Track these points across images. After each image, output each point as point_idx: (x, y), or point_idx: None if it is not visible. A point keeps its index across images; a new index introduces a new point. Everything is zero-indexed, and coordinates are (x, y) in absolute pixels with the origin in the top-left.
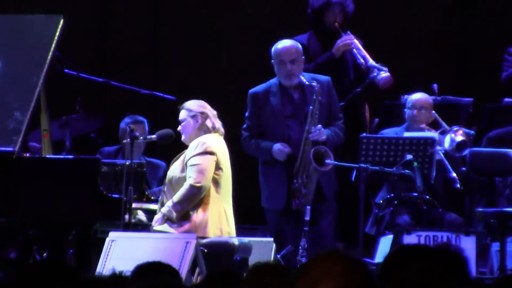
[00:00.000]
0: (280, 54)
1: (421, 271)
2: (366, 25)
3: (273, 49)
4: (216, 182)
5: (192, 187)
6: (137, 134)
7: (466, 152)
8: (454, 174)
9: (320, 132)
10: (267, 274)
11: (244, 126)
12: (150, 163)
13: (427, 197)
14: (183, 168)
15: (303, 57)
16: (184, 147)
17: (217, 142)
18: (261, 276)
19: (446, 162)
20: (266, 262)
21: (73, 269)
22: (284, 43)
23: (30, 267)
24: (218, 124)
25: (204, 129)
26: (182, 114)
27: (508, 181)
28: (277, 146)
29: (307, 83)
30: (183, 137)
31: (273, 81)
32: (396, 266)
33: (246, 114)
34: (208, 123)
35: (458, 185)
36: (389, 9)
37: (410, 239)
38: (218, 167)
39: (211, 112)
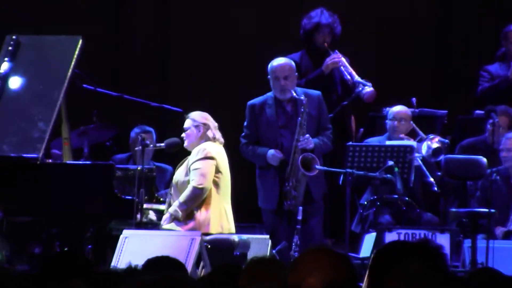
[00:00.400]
0: (275, 71)
1: (416, 266)
2: (352, 44)
3: (269, 66)
4: (216, 184)
5: (195, 188)
6: (147, 142)
7: (441, 158)
8: (431, 179)
9: (308, 141)
10: (263, 267)
11: (242, 134)
12: (158, 168)
13: (406, 198)
14: (187, 172)
15: (296, 73)
16: (187, 153)
17: (216, 149)
18: (258, 269)
19: (424, 168)
20: (262, 257)
21: (88, 260)
22: (278, 61)
23: (49, 259)
24: (218, 135)
25: (205, 138)
26: (187, 123)
27: (478, 184)
28: (271, 152)
29: (297, 97)
30: (185, 143)
31: (269, 94)
32: (387, 262)
33: (245, 123)
34: (210, 133)
35: (435, 189)
36: (373, 30)
37: (391, 236)
38: (218, 171)
39: (212, 124)
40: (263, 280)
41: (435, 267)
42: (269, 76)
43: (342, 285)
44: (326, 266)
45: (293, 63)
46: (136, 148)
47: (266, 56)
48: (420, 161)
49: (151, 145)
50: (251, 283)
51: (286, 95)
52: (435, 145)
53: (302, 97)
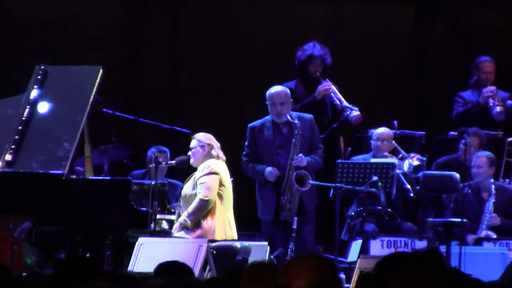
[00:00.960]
0: (272, 97)
1: (417, 272)
2: (341, 73)
3: (267, 93)
4: (220, 196)
5: (201, 200)
6: (160, 160)
7: (420, 174)
8: (408, 186)
9: (301, 159)
10: (262, 271)
11: (244, 153)
12: (170, 184)
13: (389, 210)
14: (194, 186)
15: (291, 99)
16: (194, 169)
17: (220, 166)
18: (258, 272)
19: (402, 177)
20: (261, 261)
21: (96, 265)
22: (275, 88)
23: (62, 262)
24: (221, 153)
25: (209, 156)
26: (193, 143)
27: (452, 197)
28: (269, 169)
29: (292, 120)
30: (191, 161)
31: (267, 118)
32: (390, 269)
33: (246, 143)
34: (213, 152)
35: (411, 194)
36: (359, 61)
37: (375, 243)
38: (221, 185)
39: (216, 143)
40: (261, 282)
41: (436, 271)
42: (267, 102)
43: (327, 286)
44: (312, 269)
45: (288, 91)
46: (150, 165)
47: (265, 84)
48: (401, 175)
49: (164, 163)
50: (251, 285)
51: (282, 119)
52: (415, 162)
53: (296, 121)
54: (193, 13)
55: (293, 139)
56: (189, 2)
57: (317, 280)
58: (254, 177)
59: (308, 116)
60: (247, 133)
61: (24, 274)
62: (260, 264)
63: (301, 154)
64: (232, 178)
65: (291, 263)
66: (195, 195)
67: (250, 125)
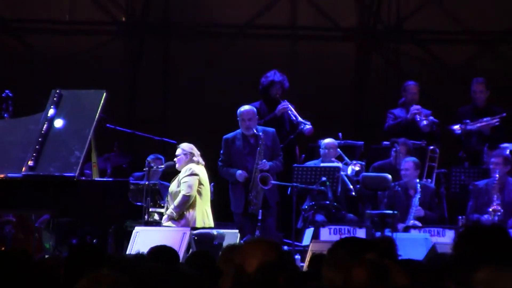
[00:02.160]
0: (241, 114)
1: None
2: (297, 95)
3: (238, 111)
4: (199, 193)
5: (184, 196)
6: (153, 165)
7: (360, 176)
8: (350, 186)
9: (265, 164)
10: (233, 253)
11: (219, 159)
12: (163, 185)
13: (335, 204)
14: (178, 185)
15: (257, 116)
16: (178, 172)
17: (199, 169)
18: (230, 253)
19: (345, 178)
20: (233, 244)
21: (101, 249)
22: (245, 107)
23: (74, 247)
24: (201, 160)
25: (191, 162)
26: (178, 151)
27: (385, 194)
28: (239, 172)
29: (257, 133)
30: (177, 166)
31: (238, 131)
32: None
33: (221, 151)
34: (194, 158)
35: (353, 193)
36: (311, 86)
37: (324, 230)
38: (200, 184)
39: (196, 152)
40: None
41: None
42: (238, 118)
43: (274, 264)
44: (262, 250)
45: (254, 109)
46: (145, 169)
47: (236, 104)
48: (344, 176)
49: (155, 167)
50: (225, 263)
51: (249, 132)
52: (357, 168)
53: (261, 133)
54: (181, 47)
55: (258, 148)
56: (178, 38)
57: (265, 260)
58: (228, 178)
59: (271, 129)
60: (222, 143)
61: (46, 256)
62: (232, 247)
63: (264, 160)
64: (212, 183)
65: (246, 246)
66: (179, 192)
67: (224, 136)
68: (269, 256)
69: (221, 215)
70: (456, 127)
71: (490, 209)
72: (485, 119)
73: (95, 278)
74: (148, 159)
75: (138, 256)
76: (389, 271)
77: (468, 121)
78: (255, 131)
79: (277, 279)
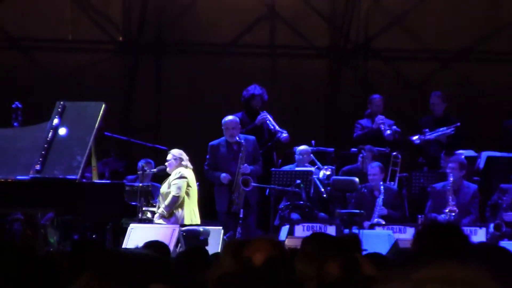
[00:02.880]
0: (225, 124)
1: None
2: (274, 106)
3: (222, 121)
4: (187, 194)
5: (174, 196)
6: (146, 169)
7: (331, 179)
8: (322, 189)
9: (246, 168)
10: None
11: (206, 163)
12: (154, 186)
13: (308, 204)
14: (169, 187)
15: (239, 125)
16: (169, 175)
17: (187, 172)
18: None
19: (317, 181)
20: (238, 239)
21: (100, 243)
22: (228, 118)
23: (76, 242)
24: (189, 164)
25: (180, 166)
26: (169, 156)
27: (353, 195)
28: (223, 175)
29: (240, 140)
30: (167, 169)
31: (223, 138)
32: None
33: (207, 156)
34: (183, 163)
35: (325, 195)
36: (287, 98)
37: (298, 227)
38: (188, 185)
39: (185, 157)
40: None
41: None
42: (222, 127)
43: (278, 258)
44: (268, 246)
45: (237, 119)
46: (139, 172)
47: (222, 114)
48: (317, 179)
49: (148, 171)
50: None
51: (233, 139)
52: (328, 172)
53: (243, 141)
54: (172, 63)
55: (240, 154)
56: (169, 56)
57: (271, 255)
58: (213, 181)
59: (251, 137)
60: (208, 149)
61: (51, 249)
62: (237, 241)
63: (246, 164)
64: (198, 183)
65: (254, 241)
66: (170, 193)
67: (210, 143)
68: (274, 252)
69: (207, 214)
70: (415, 137)
71: (447, 210)
72: (441, 129)
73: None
74: (140, 163)
75: (135, 249)
76: (359, 263)
77: (427, 130)
78: (237, 139)
79: (280, 273)
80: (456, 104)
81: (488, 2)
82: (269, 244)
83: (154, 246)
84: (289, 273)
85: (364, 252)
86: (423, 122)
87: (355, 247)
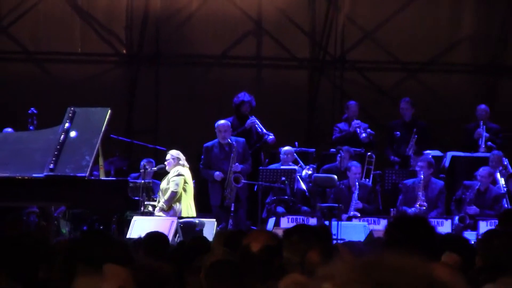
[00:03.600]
0: (218, 127)
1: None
2: (261, 111)
3: (215, 124)
4: (184, 190)
5: (172, 192)
6: (147, 167)
7: (312, 176)
8: (303, 187)
9: (237, 167)
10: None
11: (201, 162)
12: (155, 183)
13: (292, 198)
14: (168, 183)
15: (230, 129)
16: (168, 173)
17: (185, 170)
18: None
19: (299, 180)
20: (231, 229)
21: (106, 234)
22: (221, 121)
23: (85, 232)
24: (186, 163)
25: (178, 165)
26: (167, 156)
27: (332, 191)
28: (217, 173)
29: (231, 142)
30: (166, 168)
31: (216, 140)
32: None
33: (202, 156)
34: (181, 162)
35: (307, 194)
36: (273, 104)
37: (284, 220)
38: (185, 182)
39: (182, 157)
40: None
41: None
42: (216, 130)
43: (274, 247)
44: (266, 237)
45: (229, 123)
46: (141, 171)
47: (214, 119)
48: (299, 178)
49: (149, 169)
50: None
51: (225, 141)
52: (309, 171)
53: (234, 143)
54: (169, 73)
55: (232, 154)
56: (166, 67)
57: (268, 244)
58: (207, 178)
59: (241, 139)
60: (203, 150)
61: (60, 238)
62: (227, 232)
63: (237, 163)
64: (193, 180)
65: (253, 232)
66: (169, 189)
67: (205, 145)
68: (270, 242)
69: (202, 208)
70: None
71: (417, 204)
72: (412, 140)
73: None
74: (143, 162)
75: (138, 239)
76: (338, 251)
77: (398, 133)
78: (229, 141)
79: (274, 260)
80: (422, 110)
81: (449, 19)
82: (265, 235)
83: (155, 237)
84: (280, 260)
85: (341, 241)
86: (393, 124)
87: (325, 235)
